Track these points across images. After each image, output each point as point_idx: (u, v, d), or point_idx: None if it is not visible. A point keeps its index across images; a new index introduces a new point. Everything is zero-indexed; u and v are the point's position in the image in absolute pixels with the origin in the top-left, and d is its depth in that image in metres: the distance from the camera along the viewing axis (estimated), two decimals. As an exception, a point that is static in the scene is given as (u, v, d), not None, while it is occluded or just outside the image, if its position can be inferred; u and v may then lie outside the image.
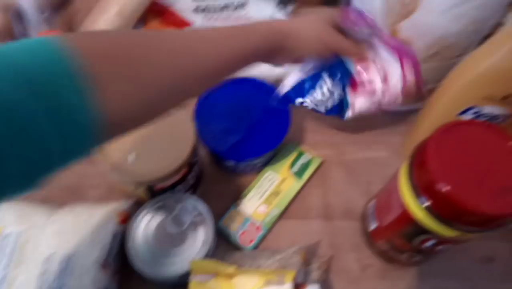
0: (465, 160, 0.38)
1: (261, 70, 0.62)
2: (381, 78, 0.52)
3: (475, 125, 0.41)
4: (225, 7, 0.73)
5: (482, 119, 0.48)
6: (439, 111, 0.51)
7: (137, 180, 0.47)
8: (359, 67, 0.52)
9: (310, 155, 0.60)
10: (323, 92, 0.53)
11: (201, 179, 0.57)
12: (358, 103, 0.53)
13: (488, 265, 0.53)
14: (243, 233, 0.53)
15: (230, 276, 0.44)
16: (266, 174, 0.58)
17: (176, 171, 0.48)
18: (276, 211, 0.55)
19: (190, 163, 0.50)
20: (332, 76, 0.52)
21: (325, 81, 0.53)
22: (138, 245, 0.46)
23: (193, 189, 0.55)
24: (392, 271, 0.52)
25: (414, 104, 0.65)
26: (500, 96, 0.44)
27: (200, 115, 0.55)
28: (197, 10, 0.72)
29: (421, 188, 0.40)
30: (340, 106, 0.54)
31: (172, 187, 0.50)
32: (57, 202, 0.53)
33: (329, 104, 0.53)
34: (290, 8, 0.74)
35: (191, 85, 0.37)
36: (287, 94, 0.55)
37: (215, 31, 0.40)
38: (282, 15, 0.72)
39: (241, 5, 0.73)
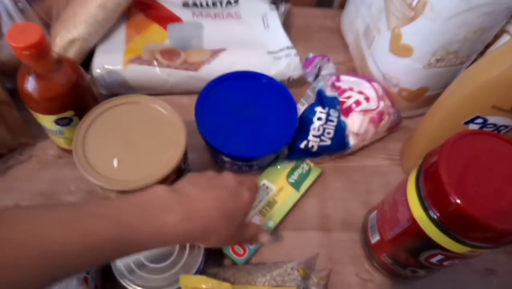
0: (477, 172, 0.36)
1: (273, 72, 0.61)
2: (363, 98, 0.57)
3: (487, 136, 0.39)
4: (215, 3, 0.69)
5: (487, 129, 0.46)
6: (443, 119, 0.49)
7: (120, 188, 0.43)
8: (341, 96, 0.57)
9: (309, 165, 0.57)
10: (321, 123, 0.55)
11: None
12: (354, 122, 0.56)
13: (489, 277, 0.52)
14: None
15: (224, 294, 0.41)
16: (261, 183, 0.55)
17: (165, 179, 0.44)
18: (271, 224, 0.52)
19: (180, 170, 0.47)
20: (322, 106, 0.56)
21: (318, 113, 0.56)
22: (124, 260, 0.42)
23: None
24: (392, 285, 0.50)
25: (414, 111, 0.63)
26: (509, 106, 0.43)
27: (202, 107, 0.52)
28: (186, 5, 0.68)
29: (431, 201, 0.38)
30: (341, 136, 0.56)
31: None
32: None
33: (331, 132, 0.55)
34: (283, 8, 0.71)
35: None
36: (293, 144, 0.56)
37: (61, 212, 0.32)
38: (275, 15, 0.69)
39: (232, 2, 0.70)
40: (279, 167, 0.56)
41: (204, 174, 0.41)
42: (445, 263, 0.41)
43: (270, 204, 0.53)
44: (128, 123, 0.47)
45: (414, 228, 0.40)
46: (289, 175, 0.56)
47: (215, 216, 0.36)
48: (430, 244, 0.39)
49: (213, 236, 0.37)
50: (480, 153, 0.38)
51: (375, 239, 0.48)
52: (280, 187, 0.55)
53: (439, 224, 0.37)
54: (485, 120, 0.45)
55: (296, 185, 0.55)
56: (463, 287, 0.51)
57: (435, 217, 0.37)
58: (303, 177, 0.56)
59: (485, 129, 0.47)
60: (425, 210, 0.38)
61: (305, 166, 0.57)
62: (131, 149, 0.45)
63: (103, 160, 0.43)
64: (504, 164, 0.37)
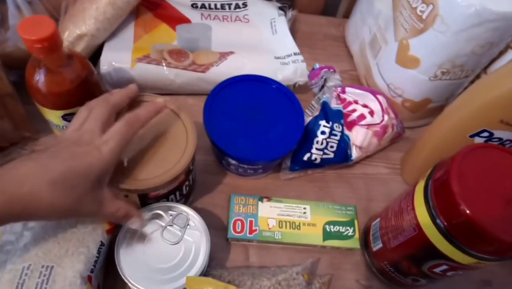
0: (487, 184, 0.37)
1: (279, 78, 0.61)
2: (368, 112, 0.57)
3: (497, 150, 0.39)
4: (223, 6, 0.69)
5: (493, 142, 0.47)
6: (449, 131, 0.50)
7: (128, 187, 0.42)
8: (346, 109, 0.57)
9: (355, 233, 0.53)
10: (324, 137, 0.55)
11: (193, 187, 0.53)
12: (358, 136, 0.57)
13: (485, 288, 0.52)
14: (238, 221, 0.51)
15: (230, 297, 0.40)
16: (303, 205, 0.54)
17: (174, 179, 0.43)
18: (278, 237, 0.51)
19: (189, 170, 0.46)
20: (326, 120, 0.56)
21: (322, 126, 0.55)
22: (128, 258, 0.42)
23: (186, 198, 0.51)
24: (392, 293, 0.50)
25: (416, 121, 0.64)
26: (516, 121, 0.44)
27: (210, 108, 0.52)
28: (195, 6, 0.68)
29: (440, 210, 0.38)
30: (344, 150, 0.57)
31: (167, 195, 0.46)
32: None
33: (334, 146, 0.56)
34: (290, 14, 0.72)
35: None
36: (296, 156, 0.56)
37: None
38: (283, 21, 0.69)
39: (241, 5, 0.70)
40: (330, 207, 0.54)
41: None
42: (449, 273, 0.42)
43: (293, 225, 0.52)
44: None
45: (420, 236, 0.40)
46: (331, 223, 0.53)
47: (35, 184, 0.32)
48: (435, 254, 0.39)
49: (42, 207, 0.33)
50: (490, 166, 0.38)
51: (377, 246, 0.48)
52: (315, 222, 0.53)
53: (446, 234, 0.38)
54: (491, 134, 0.46)
55: (327, 235, 0.52)
56: (461, 297, 0.51)
57: (443, 226, 0.38)
58: (338, 236, 0.52)
59: (490, 143, 0.48)
60: (433, 219, 0.38)
61: (353, 230, 0.53)
62: (141, 148, 0.44)
63: None
64: (512, 176, 0.38)
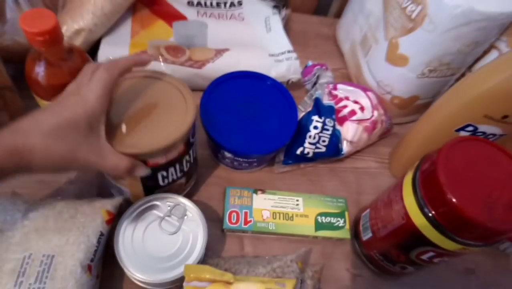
0: (473, 175, 0.39)
1: (273, 74, 0.62)
2: (358, 108, 0.59)
3: (482, 142, 0.41)
4: (219, 4, 0.71)
5: (477, 136, 0.49)
6: (436, 126, 0.52)
7: (128, 152, 0.41)
8: (337, 105, 0.59)
9: (345, 224, 0.55)
10: (317, 132, 0.57)
11: (195, 168, 0.54)
12: (349, 131, 0.58)
13: (468, 277, 0.55)
14: (234, 212, 0.53)
15: (227, 284, 0.42)
16: (296, 197, 0.56)
17: (173, 146, 0.43)
18: (272, 228, 0.53)
19: (189, 142, 0.46)
20: (319, 115, 0.58)
21: (314, 121, 0.57)
22: (127, 248, 0.43)
23: (187, 177, 0.52)
24: (381, 282, 0.52)
25: (404, 118, 0.66)
26: (500, 116, 0.46)
27: (207, 103, 0.54)
28: (191, 3, 0.69)
29: (427, 199, 0.40)
30: (335, 144, 0.58)
31: (166, 166, 0.45)
32: (30, 197, 0.48)
33: (326, 140, 0.57)
34: (283, 13, 0.74)
35: None
36: (289, 150, 0.58)
37: None
38: (278, 19, 0.71)
39: (236, 4, 0.71)
40: (322, 199, 0.56)
41: None
42: (435, 260, 0.44)
43: (286, 216, 0.54)
44: (137, 94, 0.45)
45: (408, 225, 0.42)
46: (323, 214, 0.55)
47: (28, 135, 0.34)
48: (423, 241, 0.41)
49: (37, 156, 0.35)
50: (475, 157, 0.40)
51: (367, 236, 0.50)
52: (307, 213, 0.55)
53: (433, 221, 0.39)
54: (475, 128, 0.49)
55: (319, 226, 0.54)
56: (445, 285, 0.54)
57: (430, 214, 0.39)
58: (330, 227, 0.54)
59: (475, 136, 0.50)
60: (421, 208, 0.40)
61: (343, 220, 0.55)
62: (140, 116, 0.43)
63: (110, 126, 0.42)
64: (496, 168, 0.40)
